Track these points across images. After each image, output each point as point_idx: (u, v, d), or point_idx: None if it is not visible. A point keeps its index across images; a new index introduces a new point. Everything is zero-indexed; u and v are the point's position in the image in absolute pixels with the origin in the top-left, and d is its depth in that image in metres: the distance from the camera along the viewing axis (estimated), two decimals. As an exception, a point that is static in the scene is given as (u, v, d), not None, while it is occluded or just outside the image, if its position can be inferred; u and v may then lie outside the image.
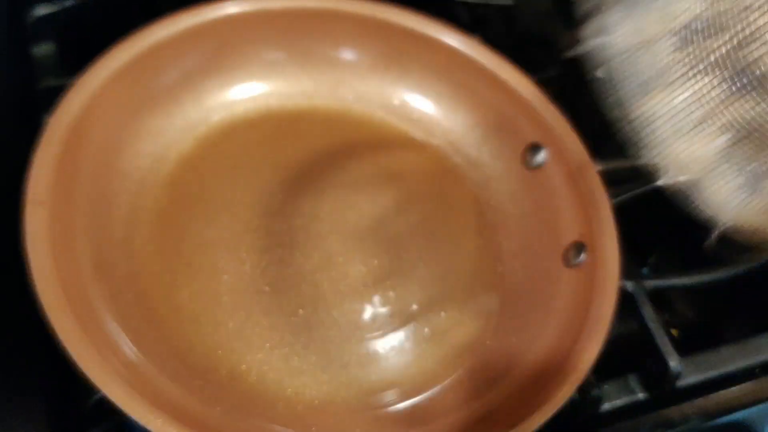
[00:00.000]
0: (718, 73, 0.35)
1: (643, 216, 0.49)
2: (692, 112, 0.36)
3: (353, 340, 0.40)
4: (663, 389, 0.41)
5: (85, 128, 0.39)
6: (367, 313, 0.41)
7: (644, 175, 0.45)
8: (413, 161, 0.47)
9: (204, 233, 0.41)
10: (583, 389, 0.39)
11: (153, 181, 0.42)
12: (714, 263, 0.45)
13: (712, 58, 0.35)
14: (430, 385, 0.39)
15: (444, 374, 0.40)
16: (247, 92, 0.47)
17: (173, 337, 0.37)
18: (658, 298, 0.45)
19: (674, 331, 0.45)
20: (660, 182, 0.44)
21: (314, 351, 0.39)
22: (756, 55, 0.34)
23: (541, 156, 0.44)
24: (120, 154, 0.41)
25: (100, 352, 0.32)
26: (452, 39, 0.46)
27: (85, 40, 0.50)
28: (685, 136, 0.37)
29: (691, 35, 0.35)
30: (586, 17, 0.38)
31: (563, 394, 0.34)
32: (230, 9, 0.44)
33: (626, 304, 0.42)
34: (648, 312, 0.42)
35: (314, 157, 0.46)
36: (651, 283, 0.43)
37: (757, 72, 0.34)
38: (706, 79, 0.36)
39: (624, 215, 0.43)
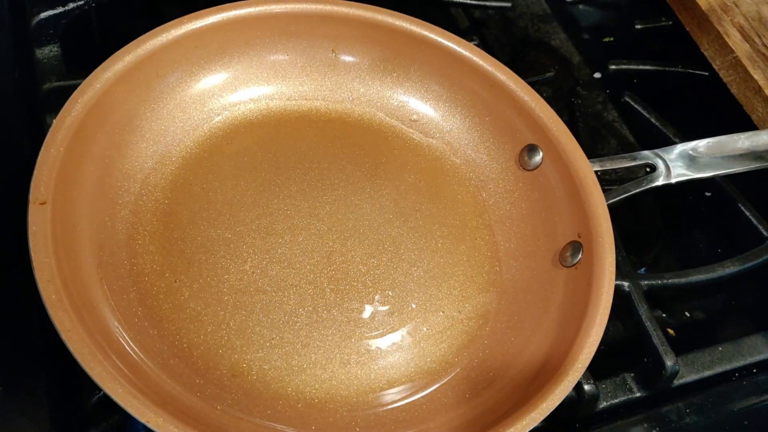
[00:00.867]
0: None
1: (639, 216, 0.50)
2: None
3: (353, 339, 0.40)
4: (659, 388, 0.41)
5: (89, 129, 0.39)
6: (367, 312, 0.41)
7: (641, 175, 0.45)
8: (412, 162, 0.47)
9: (205, 233, 0.42)
10: (580, 388, 0.39)
11: (155, 181, 0.43)
12: (709, 263, 0.45)
13: None
14: (428, 384, 0.39)
15: (442, 372, 0.40)
16: (248, 94, 0.47)
17: (175, 336, 0.38)
18: (654, 297, 0.45)
19: (670, 330, 0.45)
20: (659, 182, 0.45)
21: (314, 350, 0.39)
22: None
23: (538, 157, 0.45)
24: (123, 155, 0.42)
25: (102, 350, 0.32)
26: (450, 41, 0.46)
27: (87, 43, 0.50)
28: None
29: None
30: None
31: (560, 392, 0.34)
32: (232, 12, 0.44)
33: (622, 303, 0.42)
34: (644, 311, 0.42)
35: (314, 157, 0.46)
36: (647, 283, 0.43)
37: None
38: None
39: (620, 215, 0.43)
